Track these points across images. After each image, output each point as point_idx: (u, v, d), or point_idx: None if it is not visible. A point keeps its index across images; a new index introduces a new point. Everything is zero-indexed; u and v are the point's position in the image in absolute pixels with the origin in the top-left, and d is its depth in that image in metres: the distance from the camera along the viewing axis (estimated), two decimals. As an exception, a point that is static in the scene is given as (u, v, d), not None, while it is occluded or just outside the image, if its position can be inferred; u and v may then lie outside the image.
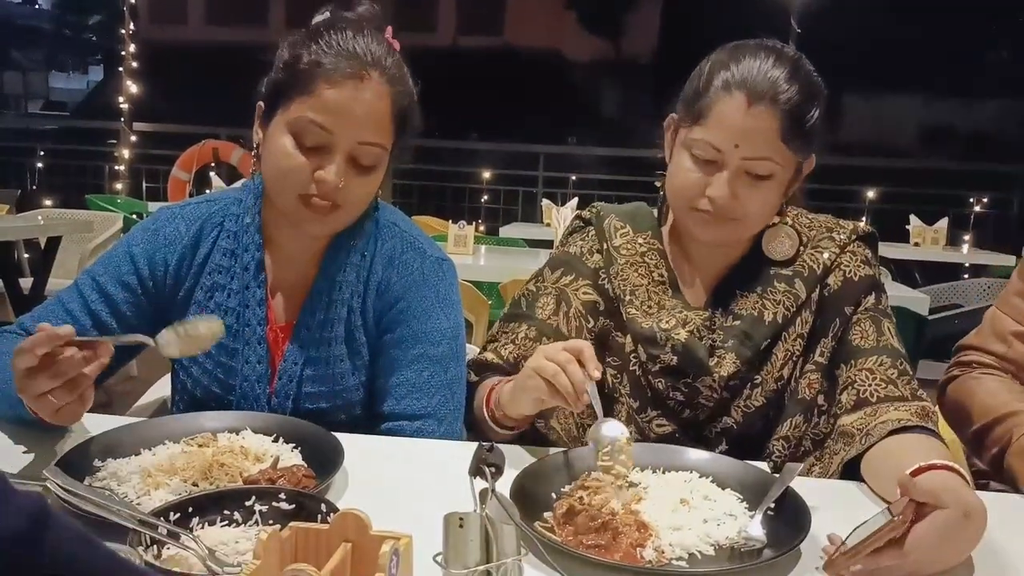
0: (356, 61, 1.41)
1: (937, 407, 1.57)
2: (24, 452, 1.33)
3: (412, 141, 1.54)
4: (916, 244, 6.65)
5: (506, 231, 6.69)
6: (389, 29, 1.53)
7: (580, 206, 5.23)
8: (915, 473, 1.15)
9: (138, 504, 1.12)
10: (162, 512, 1.02)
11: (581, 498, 1.16)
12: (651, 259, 1.61)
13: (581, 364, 1.30)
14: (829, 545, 1.08)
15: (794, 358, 1.54)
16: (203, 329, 1.28)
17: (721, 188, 1.45)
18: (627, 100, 22.23)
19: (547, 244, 5.27)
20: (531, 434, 1.56)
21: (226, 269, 1.55)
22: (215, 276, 1.56)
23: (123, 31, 8.67)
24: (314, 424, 1.40)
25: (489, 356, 1.65)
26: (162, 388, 1.83)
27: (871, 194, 8.78)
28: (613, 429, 1.27)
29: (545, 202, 7.22)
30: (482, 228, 7.20)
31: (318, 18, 1.51)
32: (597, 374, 1.30)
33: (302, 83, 1.41)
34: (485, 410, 1.52)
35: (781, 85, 1.42)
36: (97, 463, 1.24)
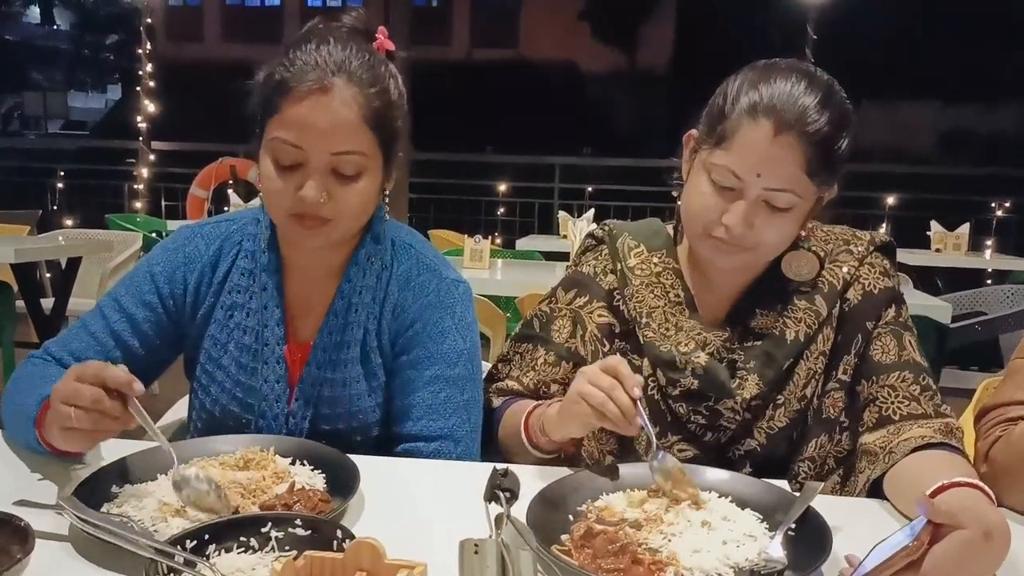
0: (317, 72, 1.38)
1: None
2: (42, 478, 1.34)
3: (407, 149, 1.53)
4: (937, 250, 6.56)
5: (523, 243, 6.68)
6: (382, 30, 1.51)
7: (597, 217, 5.23)
8: (937, 491, 1.12)
9: (155, 531, 1.12)
10: (178, 540, 1.02)
11: (592, 528, 1.15)
12: (667, 279, 1.58)
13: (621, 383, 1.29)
14: (847, 567, 1.06)
15: (816, 376, 1.51)
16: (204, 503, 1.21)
17: (738, 216, 1.39)
18: (642, 111, 22.26)
19: (564, 256, 5.25)
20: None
21: (245, 288, 1.56)
22: (234, 295, 1.57)
23: (140, 50, 8.74)
24: (330, 447, 1.40)
25: (511, 384, 1.64)
26: (179, 411, 1.84)
27: (891, 200, 8.72)
28: (669, 460, 1.28)
29: (561, 214, 7.19)
30: (498, 240, 7.19)
31: (295, 35, 1.49)
32: (638, 392, 1.29)
33: (271, 104, 1.41)
34: (524, 436, 1.50)
35: (811, 115, 1.35)
36: (115, 488, 1.25)
